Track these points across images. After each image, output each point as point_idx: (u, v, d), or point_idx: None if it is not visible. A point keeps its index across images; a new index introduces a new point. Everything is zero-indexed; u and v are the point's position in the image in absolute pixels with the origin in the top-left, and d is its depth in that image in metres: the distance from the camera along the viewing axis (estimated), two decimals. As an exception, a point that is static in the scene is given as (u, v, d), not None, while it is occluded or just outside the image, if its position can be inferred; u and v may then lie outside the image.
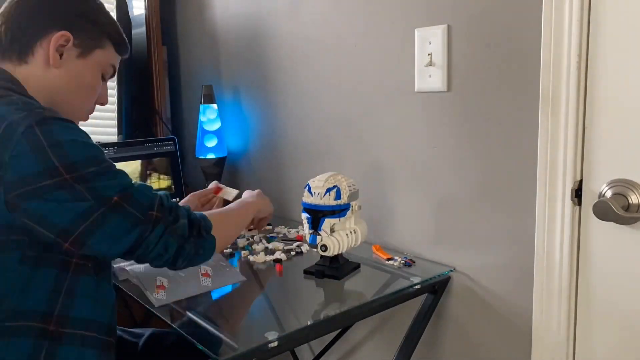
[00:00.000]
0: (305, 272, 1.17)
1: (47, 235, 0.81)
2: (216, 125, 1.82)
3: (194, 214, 0.97)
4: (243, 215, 1.22)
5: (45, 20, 0.94)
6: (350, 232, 1.15)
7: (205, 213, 1.02)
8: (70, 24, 0.95)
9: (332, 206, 1.13)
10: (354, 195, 1.15)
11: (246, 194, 1.36)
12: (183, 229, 0.91)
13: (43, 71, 0.93)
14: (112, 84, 1.91)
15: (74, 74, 0.96)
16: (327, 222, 1.13)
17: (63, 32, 0.93)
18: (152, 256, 0.89)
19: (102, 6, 1.03)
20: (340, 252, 1.15)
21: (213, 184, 1.50)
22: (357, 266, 1.21)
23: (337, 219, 1.13)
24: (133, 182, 0.89)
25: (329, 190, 1.12)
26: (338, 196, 1.12)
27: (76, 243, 0.82)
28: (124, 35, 1.05)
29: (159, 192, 0.92)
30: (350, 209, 1.14)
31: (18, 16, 0.93)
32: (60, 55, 0.94)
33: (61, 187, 0.79)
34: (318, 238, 1.13)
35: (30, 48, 0.93)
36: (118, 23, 1.05)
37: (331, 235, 1.13)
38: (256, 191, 1.37)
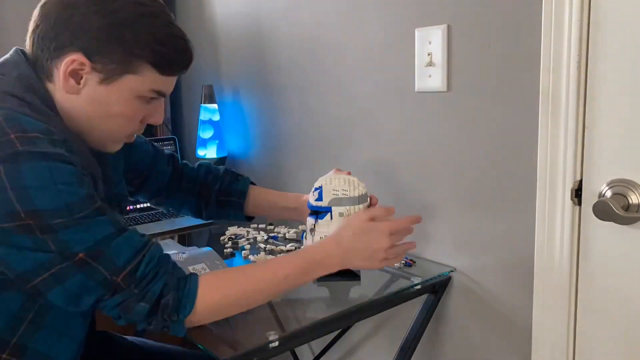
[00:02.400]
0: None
1: (8, 275, 0.74)
2: (216, 125, 1.82)
3: (178, 293, 0.79)
4: (291, 285, 0.91)
5: (61, 37, 0.79)
6: (325, 237, 1.07)
7: (215, 277, 0.86)
8: (88, 45, 0.79)
9: (311, 205, 1.10)
10: (337, 202, 1.08)
11: (334, 235, 0.98)
12: (138, 314, 0.78)
13: (65, 97, 0.82)
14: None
15: (98, 101, 0.82)
16: (308, 221, 1.11)
17: (76, 55, 0.79)
18: (104, 313, 0.79)
19: (139, 18, 0.80)
20: None
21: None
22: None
23: (314, 220, 1.09)
24: (117, 232, 0.76)
25: (316, 189, 1.11)
26: (320, 197, 1.09)
27: (34, 290, 0.75)
28: (176, 51, 0.85)
29: (146, 249, 0.79)
30: (329, 214, 1.08)
31: (43, 23, 0.80)
32: (79, 80, 0.80)
33: (23, 232, 0.70)
34: (304, 235, 1.13)
35: (48, 67, 0.81)
36: (169, 34, 0.84)
37: (310, 235, 1.10)
38: (361, 226, 0.96)
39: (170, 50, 0.84)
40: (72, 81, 0.80)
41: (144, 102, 0.86)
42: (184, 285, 0.81)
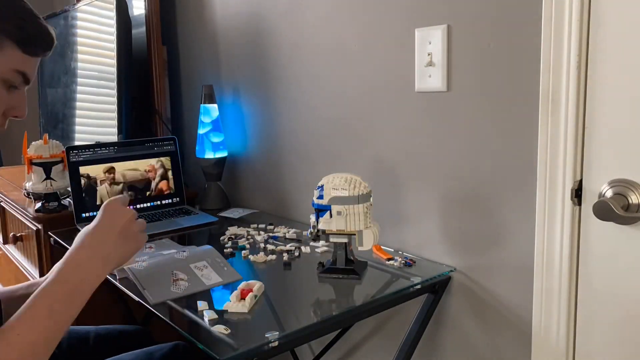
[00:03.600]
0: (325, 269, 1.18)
1: None
2: (216, 125, 1.82)
3: None
4: (75, 302, 0.78)
5: None
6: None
7: (9, 324, 0.70)
8: None
9: (314, 204, 1.14)
10: (336, 200, 1.11)
11: (77, 240, 0.86)
12: None
13: None
14: (111, 84, 1.92)
15: None
16: (312, 219, 1.15)
17: None
18: None
19: None
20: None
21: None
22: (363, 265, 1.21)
23: (315, 217, 1.14)
24: None
25: (319, 187, 1.13)
26: (321, 196, 1.13)
27: None
28: (38, 28, 0.79)
29: None
30: (329, 212, 1.12)
31: None
32: None
33: None
34: (310, 231, 1.16)
35: None
36: (29, 10, 0.78)
37: (314, 232, 1.14)
38: (99, 217, 0.88)
39: (34, 27, 0.78)
40: None
41: (5, 88, 0.78)
42: None
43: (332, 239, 1.15)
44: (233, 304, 1.00)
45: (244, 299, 1.01)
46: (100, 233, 0.86)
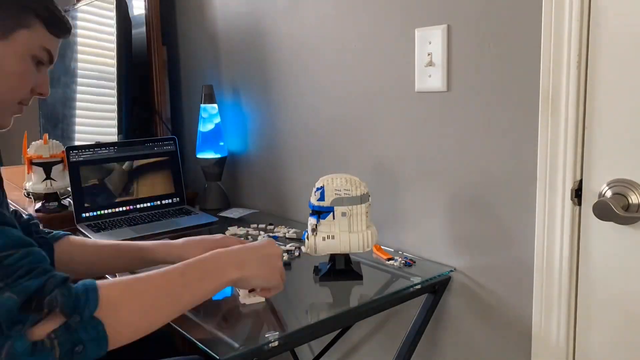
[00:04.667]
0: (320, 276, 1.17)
1: None
2: (216, 125, 1.82)
3: (66, 288, 0.68)
4: (190, 297, 0.81)
5: None
6: (327, 236, 1.12)
7: (113, 282, 0.75)
8: None
9: (313, 205, 1.13)
10: (340, 201, 1.11)
11: (218, 241, 0.99)
12: (4, 307, 0.63)
13: None
14: (111, 84, 1.92)
15: None
16: (310, 221, 1.13)
17: None
18: None
19: None
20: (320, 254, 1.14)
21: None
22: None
23: (315, 220, 1.12)
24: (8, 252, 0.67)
25: (318, 189, 1.12)
26: (322, 197, 1.11)
27: None
28: (60, 12, 0.88)
29: (29, 249, 0.69)
30: (331, 213, 1.11)
31: None
32: None
33: None
34: (306, 235, 1.15)
35: None
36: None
37: (312, 234, 1.13)
38: (254, 245, 0.94)
39: (56, 9, 0.87)
40: None
41: (34, 64, 0.86)
42: (75, 284, 0.70)
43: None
44: (248, 298, 1.01)
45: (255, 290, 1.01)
46: (247, 249, 0.92)
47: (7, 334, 0.62)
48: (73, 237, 1.11)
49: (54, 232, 1.12)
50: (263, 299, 1.01)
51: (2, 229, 0.69)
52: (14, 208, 1.07)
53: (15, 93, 0.86)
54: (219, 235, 1.08)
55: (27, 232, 1.06)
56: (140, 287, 0.76)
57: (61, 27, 0.88)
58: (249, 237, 1.46)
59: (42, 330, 0.64)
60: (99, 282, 0.72)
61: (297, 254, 1.32)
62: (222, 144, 1.83)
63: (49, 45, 0.87)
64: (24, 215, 1.10)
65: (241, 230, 1.51)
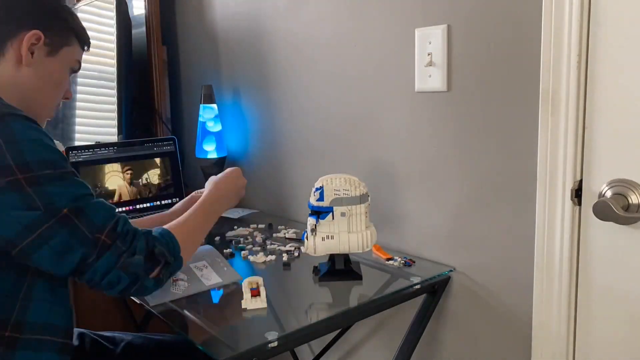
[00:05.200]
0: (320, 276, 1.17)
1: None
2: (216, 126, 1.82)
3: (159, 239, 0.91)
4: (211, 221, 1.11)
5: (17, 19, 0.93)
6: (327, 237, 1.12)
7: (171, 227, 0.97)
8: (41, 22, 0.94)
9: (313, 206, 1.13)
10: (339, 202, 1.11)
11: (213, 189, 1.18)
12: (137, 266, 0.85)
13: (14, 70, 0.93)
14: (111, 84, 1.92)
15: (44, 72, 0.96)
16: (309, 221, 1.13)
17: (35, 31, 0.93)
18: (103, 285, 0.84)
19: (66, 4, 1.03)
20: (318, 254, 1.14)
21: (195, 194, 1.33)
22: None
23: (316, 220, 1.12)
24: (91, 195, 0.84)
25: (317, 189, 1.12)
26: (321, 197, 1.12)
27: (21, 255, 0.79)
28: (85, 28, 1.05)
29: (118, 215, 0.87)
30: (331, 214, 1.11)
31: None
32: (32, 54, 0.93)
33: (12, 190, 0.77)
34: (305, 235, 1.15)
35: (1, 48, 0.93)
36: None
37: (312, 235, 1.12)
38: (224, 176, 1.22)
39: (84, 27, 1.04)
40: (29, 54, 0.93)
41: (69, 74, 1.03)
42: (159, 234, 0.92)
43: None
44: (250, 302, 1.01)
45: (258, 296, 1.02)
46: (225, 184, 1.20)
47: (142, 278, 0.86)
48: None
49: None
50: (265, 305, 1.02)
51: (99, 201, 0.85)
52: None
53: (55, 99, 1.01)
54: (189, 196, 1.32)
55: None
56: (191, 227, 1.02)
57: (87, 42, 1.05)
58: (249, 237, 1.46)
59: (157, 270, 0.88)
60: (169, 228, 0.95)
61: (296, 254, 1.32)
62: (222, 144, 1.83)
63: (80, 57, 1.04)
64: None
65: (241, 230, 1.51)
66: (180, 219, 1.03)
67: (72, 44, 1.00)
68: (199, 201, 1.12)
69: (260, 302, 1.02)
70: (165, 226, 0.97)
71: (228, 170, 1.25)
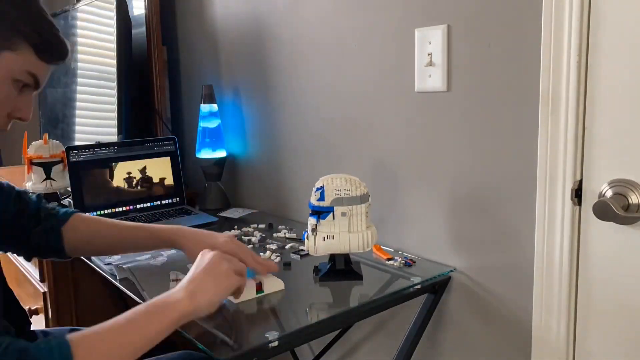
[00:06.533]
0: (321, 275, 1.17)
1: None
2: (216, 125, 1.82)
3: (34, 355, 0.69)
4: (154, 336, 0.79)
5: None
6: (327, 236, 1.12)
7: (82, 336, 0.74)
8: None
9: (313, 205, 1.13)
10: (340, 201, 1.11)
11: (184, 286, 0.86)
12: None
13: None
14: (111, 84, 1.92)
15: None
16: (309, 221, 1.13)
17: None
18: None
19: (37, 4, 0.82)
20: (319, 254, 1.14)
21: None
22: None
23: (315, 220, 1.12)
24: None
25: (318, 189, 1.12)
26: (322, 197, 1.12)
27: None
28: (55, 37, 0.84)
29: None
30: (331, 213, 1.12)
31: None
32: None
33: None
34: (306, 235, 1.15)
35: None
36: (48, 20, 0.84)
37: (312, 234, 1.13)
38: (204, 274, 0.88)
39: (51, 35, 0.84)
40: None
41: (16, 89, 0.83)
42: (45, 348, 0.70)
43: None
44: (268, 283, 1.05)
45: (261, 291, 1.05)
46: (192, 271, 0.89)
47: None
48: (81, 216, 1.13)
49: (61, 211, 1.12)
50: (282, 286, 1.05)
51: None
52: (19, 189, 1.11)
53: None
54: (221, 238, 1.05)
55: (36, 219, 1.09)
56: (112, 343, 0.76)
57: (53, 54, 0.85)
58: (249, 237, 1.46)
59: None
60: (75, 337, 0.73)
61: (304, 252, 1.31)
62: (222, 144, 1.83)
63: (35, 70, 0.83)
64: (32, 199, 1.11)
65: (241, 231, 1.51)
66: (106, 324, 0.78)
67: (18, 49, 0.80)
68: (150, 301, 0.82)
69: (279, 284, 1.06)
70: (74, 334, 0.74)
71: (214, 258, 0.91)
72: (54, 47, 0.84)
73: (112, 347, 0.75)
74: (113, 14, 1.88)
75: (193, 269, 0.89)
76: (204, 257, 0.91)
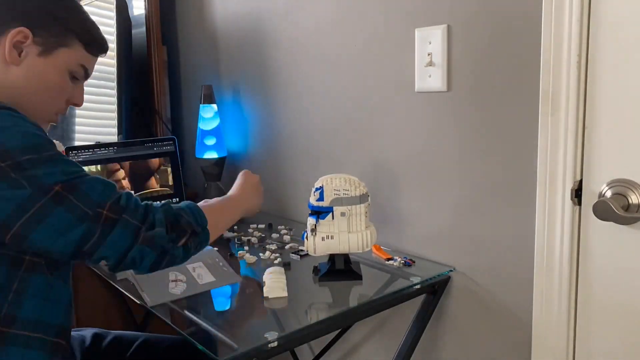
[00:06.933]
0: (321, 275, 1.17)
1: None
2: (216, 125, 1.82)
3: (184, 209, 0.91)
4: (234, 215, 1.11)
5: (3, 15, 0.89)
6: (327, 237, 1.12)
7: (199, 203, 0.98)
8: (30, 20, 0.89)
9: (312, 205, 1.13)
10: (339, 201, 1.11)
11: (238, 189, 1.20)
12: (161, 238, 0.84)
13: (3, 70, 0.89)
14: (111, 84, 1.92)
15: (35, 73, 0.91)
16: (309, 221, 1.13)
17: (21, 28, 0.88)
18: (127, 263, 0.82)
19: (71, 1, 0.97)
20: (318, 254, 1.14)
21: None
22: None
23: (315, 220, 1.12)
24: (84, 173, 0.82)
25: (317, 189, 1.12)
26: (321, 197, 1.12)
27: (16, 240, 0.77)
28: (98, 34, 0.99)
29: (121, 191, 0.84)
30: (331, 214, 1.12)
31: None
32: (20, 53, 0.89)
33: None
34: (305, 235, 1.15)
35: None
36: (91, 20, 0.99)
37: (312, 235, 1.13)
38: (249, 184, 1.23)
39: (95, 31, 0.98)
40: (14, 53, 0.89)
41: (71, 79, 0.96)
42: (185, 206, 0.93)
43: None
44: (272, 291, 1.05)
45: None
46: (246, 188, 1.22)
47: (170, 249, 0.86)
48: None
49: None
50: (286, 294, 1.06)
51: (96, 177, 0.83)
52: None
53: (52, 104, 0.95)
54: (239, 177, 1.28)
55: None
56: (218, 210, 1.04)
57: (98, 47, 0.99)
58: (249, 237, 1.46)
59: (185, 239, 0.89)
60: (200, 205, 0.97)
61: (303, 252, 1.31)
62: (221, 144, 1.83)
63: (85, 62, 0.97)
64: None
65: (241, 231, 1.51)
66: (209, 201, 1.07)
67: (72, 45, 0.94)
68: (228, 193, 1.17)
69: (281, 291, 1.06)
70: (200, 204, 0.98)
71: (253, 179, 1.26)
72: (98, 42, 0.99)
73: (218, 219, 1.02)
74: (113, 14, 1.88)
75: (247, 185, 1.23)
76: (244, 176, 1.25)
